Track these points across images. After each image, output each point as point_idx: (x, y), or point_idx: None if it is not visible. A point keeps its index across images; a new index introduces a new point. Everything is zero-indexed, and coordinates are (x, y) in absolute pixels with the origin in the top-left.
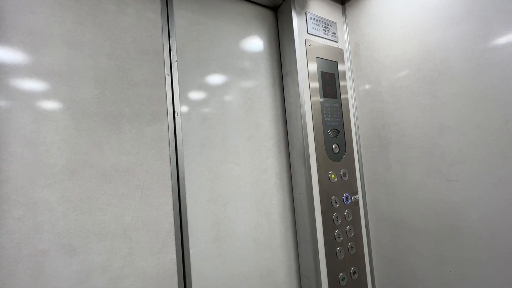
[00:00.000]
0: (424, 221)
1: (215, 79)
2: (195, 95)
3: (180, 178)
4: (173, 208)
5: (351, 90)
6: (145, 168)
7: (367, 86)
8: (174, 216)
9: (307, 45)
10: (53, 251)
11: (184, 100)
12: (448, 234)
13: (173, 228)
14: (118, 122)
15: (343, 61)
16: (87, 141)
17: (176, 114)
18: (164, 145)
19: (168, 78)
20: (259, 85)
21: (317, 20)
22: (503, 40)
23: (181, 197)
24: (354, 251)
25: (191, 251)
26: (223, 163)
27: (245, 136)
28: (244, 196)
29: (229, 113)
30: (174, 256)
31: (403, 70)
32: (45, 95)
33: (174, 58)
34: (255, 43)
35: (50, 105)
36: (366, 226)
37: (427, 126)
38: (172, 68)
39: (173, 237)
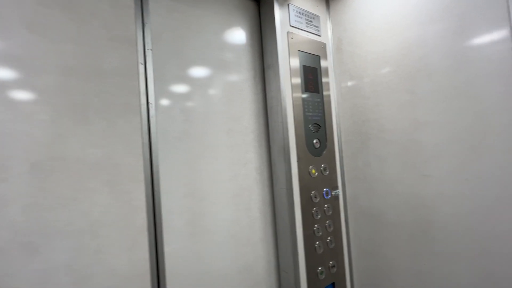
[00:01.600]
0: (401, 216)
1: (193, 70)
2: (172, 86)
3: (154, 172)
4: (146, 203)
5: (333, 85)
6: (115, 161)
7: (349, 82)
8: (147, 211)
9: (289, 38)
10: (11, 249)
11: (160, 91)
12: (423, 228)
13: (146, 224)
14: (85, 112)
15: (325, 56)
16: (49, 133)
17: (150, 105)
18: (136, 137)
19: (141, 67)
20: (240, 78)
21: (300, 12)
22: (477, 37)
23: (155, 192)
24: (333, 245)
25: (165, 248)
26: (201, 157)
27: (224, 130)
28: (223, 191)
29: (208, 106)
30: (147, 253)
31: (384, 66)
32: (2, 82)
33: (148, 47)
34: (237, 35)
35: (8, 93)
36: (345, 221)
37: (405, 122)
38: (146, 57)
39: (146, 233)
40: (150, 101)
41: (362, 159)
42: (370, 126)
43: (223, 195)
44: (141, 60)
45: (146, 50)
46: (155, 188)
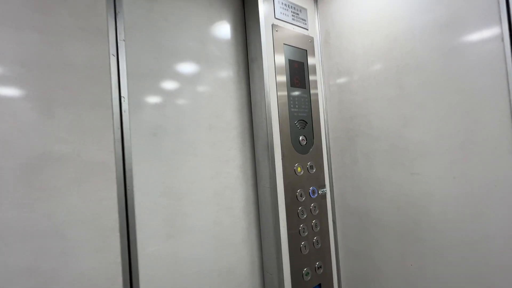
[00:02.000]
0: (388, 215)
1: (171, 63)
2: (147, 79)
3: (126, 169)
4: (117, 203)
5: (321, 80)
6: (84, 158)
7: (336, 77)
8: (119, 211)
9: (274, 31)
10: None
11: (133, 84)
12: (410, 228)
13: (117, 225)
14: (49, 106)
15: (313, 50)
16: (8, 127)
17: (122, 99)
18: (107, 133)
19: (113, 59)
20: (223, 72)
21: (286, 4)
22: (467, 30)
23: (127, 191)
24: (319, 245)
25: (139, 250)
26: (179, 154)
27: (205, 126)
28: (203, 190)
29: (187, 101)
30: (119, 256)
31: (372, 60)
32: None
33: (121, 37)
34: (219, 26)
35: None
36: (333, 220)
37: (393, 118)
38: (119, 48)
39: (118, 234)
40: (122, 95)
41: (350, 156)
42: (358, 123)
43: (204, 194)
44: (113, 51)
45: (119, 41)
46: (128, 187)
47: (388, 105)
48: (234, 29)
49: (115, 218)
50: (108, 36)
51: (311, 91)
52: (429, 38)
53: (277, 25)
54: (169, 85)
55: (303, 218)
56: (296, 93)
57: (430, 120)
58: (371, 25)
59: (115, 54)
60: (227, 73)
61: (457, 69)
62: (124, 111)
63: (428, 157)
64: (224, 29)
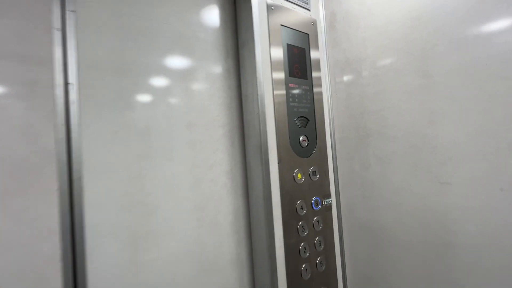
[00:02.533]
0: (408, 233)
1: (139, 44)
2: (106, 62)
3: (74, 178)
4: (59, 222)
5: (326, 70)
6: (11, 164)
7: (344, 66)
8: (61, 234)
9: (269, 8)
10: None
11: (86, 67)
12: (438, 251)
13: (59, 252)
14: None
15: (316, 35)
16: None
17: (70, 86)
18: (47, 130)
19: (57, 35)
20: (207, 58)
21: None
22: None
23: (74, 206)
24: (323, 267)
25: (89, 284)
26: (148, 158)
27: (183, 123)
28: (179, 202)
29: (159, 91)
30: None
31: (387, 44)
32: None
33: (69, 7)
34: (203, 4)
35: None
36: (340, 237)
37: (415, 114)
38: (66, 21)
39: (59, 264)
40: (70, 80)
41: (360, 160)
42: (370, 120)
43: (180, 207)
44: (57, 24)
45: (66, 12)
46: (75, 201)
47: (408, 97)
48: (222, 8)
49: (55, 243)
50: (51, 5)
51: (314, 83)
52: (465, 10)
53: (272, 3)
54: (137, 71)
55: (304, 235)
56: (296, 84)
57: (466, 116)
58: (388, 1)
59: (60, 28)
60: (212, 60)
61: (504, 50)
62: (72, 103)
63: (464, 162)
64: (209, 7)
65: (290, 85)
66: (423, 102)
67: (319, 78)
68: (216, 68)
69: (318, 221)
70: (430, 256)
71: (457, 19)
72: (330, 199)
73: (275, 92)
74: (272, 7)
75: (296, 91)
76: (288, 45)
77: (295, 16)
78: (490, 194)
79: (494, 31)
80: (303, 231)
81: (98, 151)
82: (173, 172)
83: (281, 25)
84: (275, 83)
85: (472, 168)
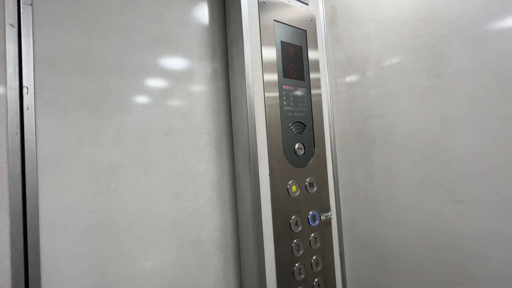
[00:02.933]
0: (418, 256)
1: (109, 41)
2: (70, 61)
3: (28, 196)
4: (10, 246)
5: (325, 70)
6: None
7: (345, 65)
8: (11, 259)
9: (261, 2)
10: None
11: (45, 67)
12: (453, 279)
13: (8, 281)
14: None
15: (314, 31)
16: None
17: (25, 90)
18: None
19: (11, 31)
20: (190, 57)
21: None
22: None
23: (28, 227)
24: None
25: None
26: (120, 170)
27: (161, 130)
28: (156, 219)
29: (134, 94)
30: None
31: (393, 40)
32: None
33: (26, 1)
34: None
35: None
36: (341, 255)
37: (426, 119)
38: (22, 16)
39: None
40: (25, 84)
41: (363, 171)
42: (374, 126)
43: (157, 224)
44: (11, 19)
45: (22, 5)
46: (29, 221)
47: (418, 100)
48: (209, 2)
49: (6, 268)
50: None
51: (312, 84)
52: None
53: None
54: (107, 72)
55: (299, 254)
56: (291, 86)
57: (486, 122)
58: None
59: (15, 24)
60: (196, 59)
61: None
62: (27, 108)
63: (484, 177)
64: (193, 1)
65: (284, 87)
66: (435, 105)
67: (318, 79)
68: (201, 68)
69: (315, 238)
70: (443, 282)
71: (476, 10)
72: (329, 213)
73: (266, 95)
74: (264, 1)
75: (291, 94)
76: (282, 42)
77: (291, 11)
78: None
79: None
80: (298, 250)
81: (58, 163)
82: (149, 185)
83: (275, 20)
84: (266, 85)
85: (494, 186)
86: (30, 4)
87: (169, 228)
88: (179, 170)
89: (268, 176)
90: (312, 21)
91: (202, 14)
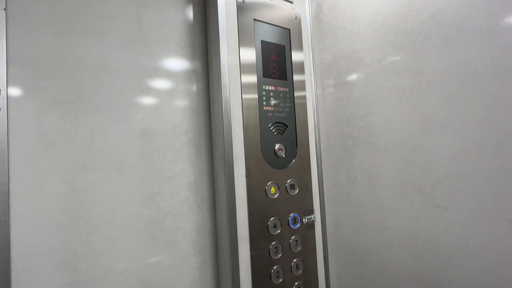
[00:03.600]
0: (398, 263)
1: (84, 43)
2: (43, 63)
3: None
4: None
5: (311, 70)
6: None
7: (330, 64)
8: None
9: (239, 0)
10: None
11: (19, 70)
12: (432, 287)
13: None
14: None
15: (299, 30)
16: None
17: None
18: None
19: None
20: (168, 58)
21: None
22: None
23: None
24: None
25: None
26: (92, 169)
27: (136, 130)
28: (129, 218)
29: (108, 95)
30: None
31: (376, 37)
32: None
33: (0, 5)
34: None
35: None
36: (324, 258)
37: (405, 120)
38: None
39: None
40: None
41: (346, 173)
42: (357, 127)
43: (130, 224)
44: None
45: None
46: (0, 218)
47: (398, 101)
48: (188, 2)
49: None
50: None
51: (296, 84)
52: None
53: None
54: (81, 73)
55: (277, 257)
56: (272, 86)
57: (465, 123)
58: None
59: None
60: (175, 60)
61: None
62: (0, 109)
63: (462, 182)
64: (172, 2)
65: (264, 87)
66: (414, 106)
67: (302, 79)
68: (180, 69)
69: (296, 241)
70: None
71: (457, 4)
72: (312, 216)
73: (244, 96)
74: (244, 1)
75: (272, 94)
76: (263, 42)
77: (273, 9)
78: (495, 225)
79: (505, 21)
80: (276, 252)
81: (30, 162)
82: (122, 185)
83: (255, 20)
84: (244, 86)
85: (473, 191)
86: (4, 9)
87: (143, 228)
88: (154, 170)
89: (244, 177)
90: (297, 19)
91: (182, 14)
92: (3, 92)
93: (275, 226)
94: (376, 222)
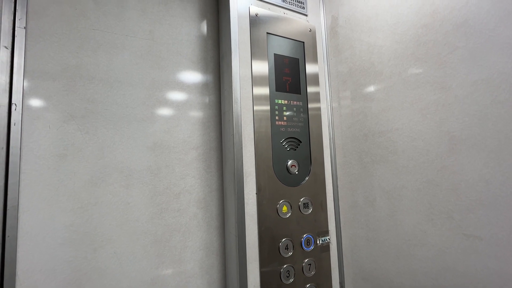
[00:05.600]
0: None
1: (97, 58)
2: (58, 80)
3: (8, 207)
4: None
5: (327, 83)
6: None
7: (346, 77)
8: None
9: (252, 15)
10: None
11: (34, 86)
12: None
13: None
14: None
15: (314, 42)
16: None
17: (13, 107)
18: None
19: (5, 52)
20: (180, 72)
21: None
22: None
23: (6, 239)
24: None
25: None
26: (100, 185)
27: (146, 145)
28: (135, 235)
29: (119, 109)
30: None
31: (395, 49)
32: None
33: (20, 24)
34: (180, 13)
35: None
36: (340, 284)
37: (430, 138)
38: (16, 38)
39: None
40: (14, 101)
41: (364, 192)
42: (375, 143)
43: (136, 241)
44: (5, 42)
45: (16, 29)
46: (8, 233)
47: (422, 116)
48: (201, 17)
49: None
50: (0, 22)
51: (310, 98)
52: (498, 1)
53: (256, 8)
54: (92, 87)
55: (289, 282)
56: (285, 100)
57: (500, 143)
58: None
59: (9, 46)
60: (187, 73)
61: None
62: (14, 124)
63: (500, 209)
64: (185, 18)
65: (276, 101)
66: (440, 123)
67: (317, 92)
68: (192, 83)
69: (309, 264)
70: None
71: (486, 11)
72: (327, 237)
73: (256, 110)
74: (257, 14)
75: (284, 108)
76: (276, 55)
77: (287, 23)
78: None
79: None
80: (288, 277)
81: (40, 176)
82: (130, 200)
83: (268, 33)
84: (256, 99)
85: (511, 220)
86: (24, 28)
87: (149, 246)
88: (162, 186)
89: (254, 195)
90: (312, 32)
91: (195, 29)
92: (19, 107)
93: (287, 248)
94: (398, 248)
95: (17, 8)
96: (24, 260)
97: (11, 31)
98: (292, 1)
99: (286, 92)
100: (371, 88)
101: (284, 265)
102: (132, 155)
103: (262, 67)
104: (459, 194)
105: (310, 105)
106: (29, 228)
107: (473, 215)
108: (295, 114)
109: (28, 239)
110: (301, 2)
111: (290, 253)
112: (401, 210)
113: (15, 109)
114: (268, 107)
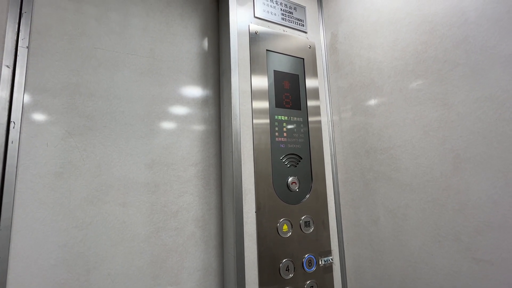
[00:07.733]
0: None
1: (98, 77)
2: (58, 96)
3: (1, 227)
4: None
5: (327, 99)
6: None
7: (346, 93)
8: None
9: (252, 33)
10: None
11: (33, 105)
12: None
13: None
14: None
15: (314, 59)
16: None
17: (12, 125)
18: None
19: (6, 71)
20: (180, 89)
21: (273, 0)
22: None
23: None
24: None
25: None
26: (96, 203)
27: (143, 162)
28: (130, 256)
29: (118, 126)
30: None
31: (394, 65)
32: None
33: (23, 43)
34: (181, 31)
35: None
36: None
37: (433, 156)
38: (18, 57)
39: None
40: (13, 119)
41: (367, 211)
42: (377, 160)
43: (131, 262)
44: (7, 61)
45: (19, 48)
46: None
47: (424, 133)
48: (202, 35)
49: None
50: (4, 41)
51: (311, 114)
52: (497, 14)
53: (256, 26)
54: (92, 105)
55: None
56: (285, 116)
57: (506, 163)
58: (393, 13)
59: (11, 65)
60: (188, 91)
61: None
62: (12, 142)
63: (509, 232)
64: (185, 36)
65: (276, 117)
66: (443, 140)
67: (318, 108)
68: (190, 100)
69: (311, 286)
70: None
71: (486, 29)
72: (330, 258)
73: (255, 126)
74: (257, 32)
75: (284, 124)
76: (276, 72)
77: (287, 40)
78: None
79: None
80: None
81: (36, 195)
82: (126, 219)
83: (267, 50)
84: (256, 116)
85: None
86: (27, 47)
87: (145, 266)
88: (159, 204)
89: (254, 214)
90: (311, 48)
91: (195, 47)
92: (17, 126)
93: (287, 269)
94: (403, 271)
95: (20, 28)
96: (15, 283)
97: (13, 50)
98: (292, 19)
99: (286, 108)
100: (372, 104)
101: (285, 287)
102: (129, 173)
103: (262, 83)
104: (466, 214)
105: (310, 121)
106: (21, 249)
107: (482, 238)
108: (295, 130)
109: (19, 261)
110: (301, 20)
111: (291, 275)
112: (405, 230)
113: (13, 127)
114: (268, 123)
